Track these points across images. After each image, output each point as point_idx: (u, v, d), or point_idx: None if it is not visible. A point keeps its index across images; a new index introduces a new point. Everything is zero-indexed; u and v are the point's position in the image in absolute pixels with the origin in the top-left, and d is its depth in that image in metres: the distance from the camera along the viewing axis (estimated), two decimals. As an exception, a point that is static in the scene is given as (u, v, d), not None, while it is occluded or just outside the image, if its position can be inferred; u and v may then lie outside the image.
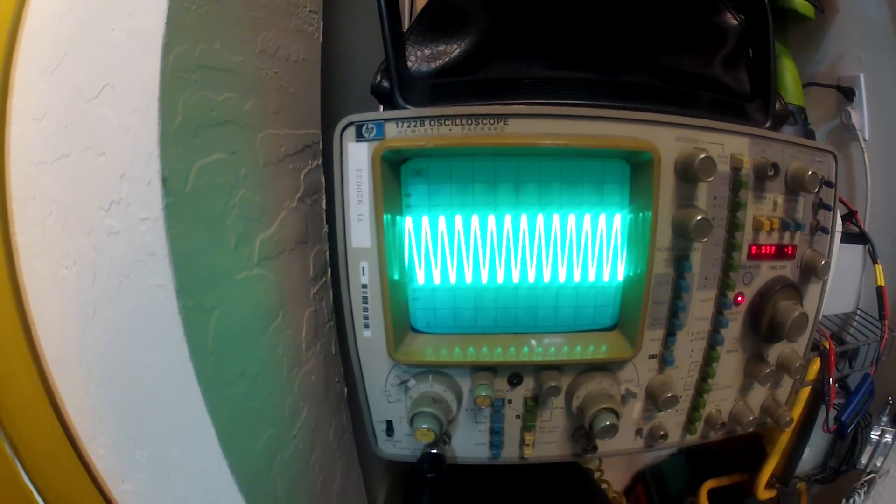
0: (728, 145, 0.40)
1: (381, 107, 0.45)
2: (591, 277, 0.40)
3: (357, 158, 0.37)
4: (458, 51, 0.45)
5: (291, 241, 0.38)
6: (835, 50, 0.69)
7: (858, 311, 0.67)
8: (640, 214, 0.38)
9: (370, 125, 0.37)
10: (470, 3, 0.45)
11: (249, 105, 0.34)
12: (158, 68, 0.28)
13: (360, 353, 0.40)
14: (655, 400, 0.42)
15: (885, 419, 0.64)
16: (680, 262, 0.40)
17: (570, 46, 0.47)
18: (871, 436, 0.64)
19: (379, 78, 0.43)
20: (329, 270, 0.45)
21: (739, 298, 0.42)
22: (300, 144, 0.41)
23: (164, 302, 0.29)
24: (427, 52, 0.45)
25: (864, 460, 0.64)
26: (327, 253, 0.44)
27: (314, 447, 0.42)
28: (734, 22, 0.48)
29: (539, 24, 0.47)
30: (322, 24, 0.45)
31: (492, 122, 0.37)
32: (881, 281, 0.62)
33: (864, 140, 0.67)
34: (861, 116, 0.67)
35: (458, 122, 0.37)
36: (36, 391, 0.34)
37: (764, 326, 0.43)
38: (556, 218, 0.39)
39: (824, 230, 0.44)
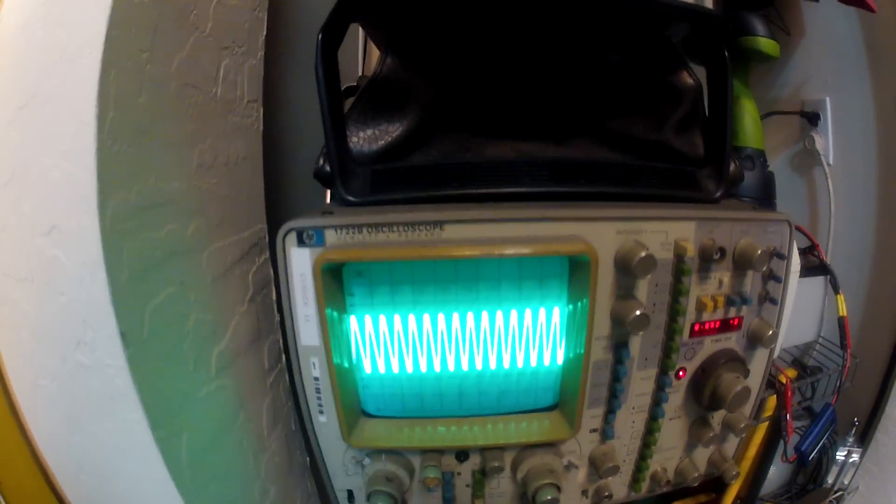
0: (672, 232, 0.40)
1: (328, 192, 0.46)
2: (533, 363, 0.42)
3: (300, 263, 0.38)
4: (400, 130, 0.44)
5: (245, 343, 0.40)
6: (800, 73, 0.66)
7: (820, 340, 0.68)
8: (578, 307, 0.39)
9: (310, 231, 0.38)
10: (412, 78, 0.45)
11: (192, 228, 0.35)
12: (98, 227, 0.28)
13: (318, 436, 0.42)
14: (598, 469, 0.44)
15: (850, 440, 0.66)
16: (619, 348, 0.41)
17: (515, 115, 0.47)
18: (837, 456, 0.66)
19: (322, 162, 0.43)
20: (283, 356, 0.47)
21: (681, 373, 0.44)
22: (246, 246, 0.42)
23: (141, 433, 0.32)
24: (369, 132, 0.44)
25: (829, 480, 0.66)
26: (280, 341, 0.46)
27: (285, 519, 0.46)
28: (691, 81, 0.47)
29: (484, 93, 0.46)
30: (262, 110, 0.44)
31: (428, 227, 0.37)
32: (843, 311, 0.62)
33: (829, 164, 0.65)
34: (826, 141, 0.65)
35: (395, 228, 0.37)
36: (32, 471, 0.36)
37: (705, 398, 0.44)
38: (498, 314, 0.40)
39: (773, 301, 0.45)
